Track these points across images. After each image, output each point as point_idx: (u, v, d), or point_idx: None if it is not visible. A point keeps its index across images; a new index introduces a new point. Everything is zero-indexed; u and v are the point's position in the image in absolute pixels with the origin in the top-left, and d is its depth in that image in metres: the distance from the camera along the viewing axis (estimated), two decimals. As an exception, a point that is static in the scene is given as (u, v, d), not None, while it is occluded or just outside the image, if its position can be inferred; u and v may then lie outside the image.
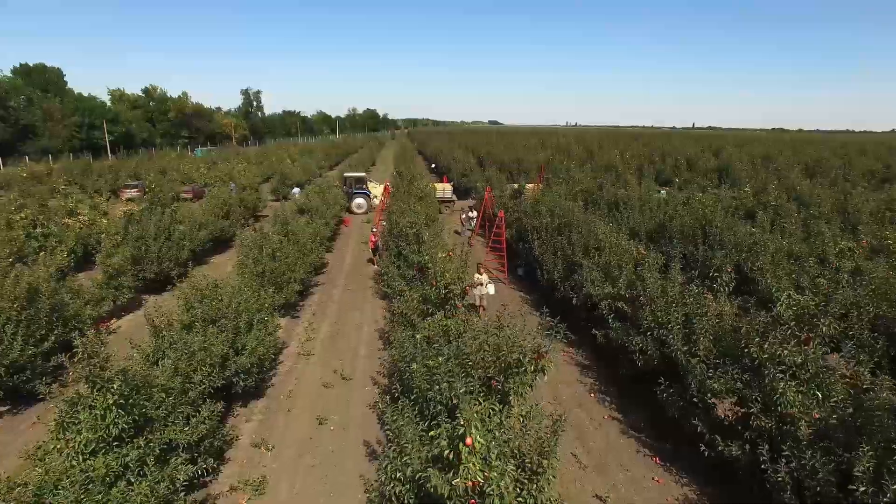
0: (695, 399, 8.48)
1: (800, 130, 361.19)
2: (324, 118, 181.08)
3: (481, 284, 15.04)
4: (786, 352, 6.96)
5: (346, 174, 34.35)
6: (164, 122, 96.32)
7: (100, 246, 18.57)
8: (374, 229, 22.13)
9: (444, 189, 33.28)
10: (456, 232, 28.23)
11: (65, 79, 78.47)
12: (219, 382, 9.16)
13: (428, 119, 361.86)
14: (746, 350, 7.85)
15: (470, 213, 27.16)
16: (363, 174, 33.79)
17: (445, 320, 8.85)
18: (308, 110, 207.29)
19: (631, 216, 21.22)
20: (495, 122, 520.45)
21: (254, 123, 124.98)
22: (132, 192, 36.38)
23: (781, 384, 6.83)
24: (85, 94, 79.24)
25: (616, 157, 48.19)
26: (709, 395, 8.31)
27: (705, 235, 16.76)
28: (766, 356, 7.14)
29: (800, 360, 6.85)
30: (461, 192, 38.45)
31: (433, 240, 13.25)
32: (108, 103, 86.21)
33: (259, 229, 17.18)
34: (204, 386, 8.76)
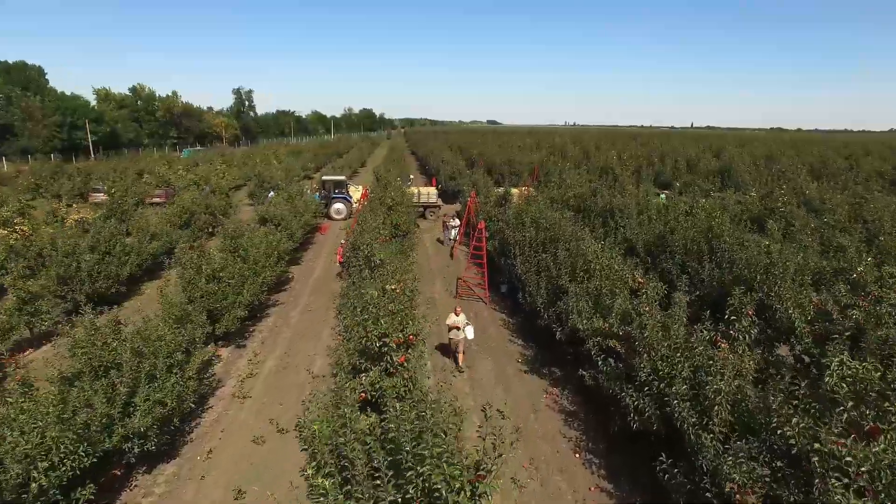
0: (707, 491, 6.37)
1: (798, 130, 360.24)
2: (318, 118, 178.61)
3: (457, 328, 12.63)
4: (844, 451, 4.86)
5: (325, 177, 32.15)
6: (152, 122, 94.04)
7: (43, 259, 16.47)
8: (343, 241, 20.01)
9: (429, 193, 31.14)
10: (438, 241, 26.15)
11: (46, 77, 76.13)
12: (87, 462, 7.04)
13: (426, 119, 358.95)
14: (779, 432, 5.75)
15: (452, 221, 25.05)
16: (343, 177, 31.64)
17: (384, 381, 6.76)
18: (304, 110, 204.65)
19: (627, 226, 19.14)
20: (494, 122, 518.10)
21: (246, 123, 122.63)
22: (101, 197, 34.23)
23: (840, 499, 4.73)
24: (69, 93, 76.89)
25: (613, 159, 46.10)
26: (726, 483, 6.22)
27: (712, 251, 14.67)
28: (816, 457, 5.05)
29: (867, 467, 4.74)
30: (449, 195, 36.36)
31: (390, 263, 11.11)
32: (94, 103, 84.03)
33: (199, 246, 15.04)
34: (64, 468, 6.67)
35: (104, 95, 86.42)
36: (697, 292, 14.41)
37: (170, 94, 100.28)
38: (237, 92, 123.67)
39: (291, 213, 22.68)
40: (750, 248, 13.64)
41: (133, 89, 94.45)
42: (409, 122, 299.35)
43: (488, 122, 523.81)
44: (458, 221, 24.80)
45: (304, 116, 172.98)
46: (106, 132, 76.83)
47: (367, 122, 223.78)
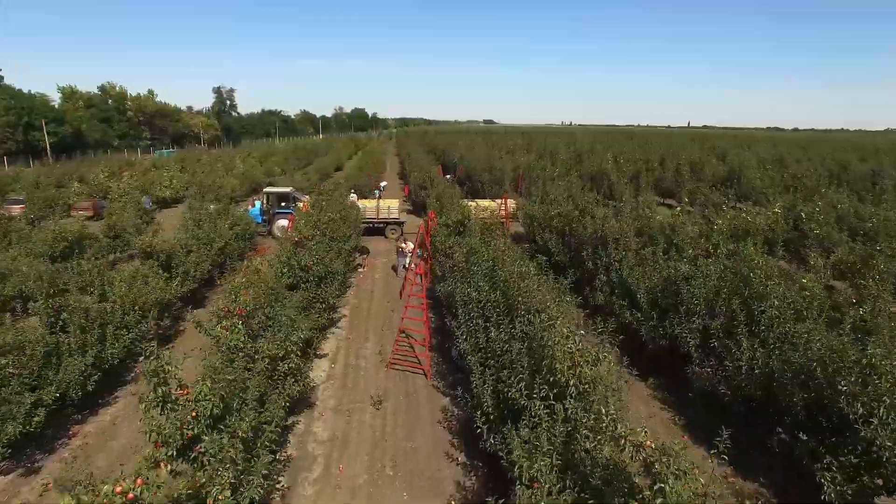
0: None
1: (795, 130, 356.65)
2: (307, 118, 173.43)
3: None
4: None
5: (267, 189, 27.19)
6: (122, 123, 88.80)
7: None
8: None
9: (389, 207, 26.22)
10: (393, 269, 21.32)
11: (0, 73, 70.94)
12: None
13: (421, 118, 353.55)
14: None
15: (405, 245, 20.29)
16: (287, 189, 26.71)
17: None
18: (293, 110, 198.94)
19: (624, 262, 14.37)
20: (490, 122, 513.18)
21: (227, 123, 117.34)
22: (16, 209, 29.34)
23: None
24: (26, 91, 71.65)
25: (608, 163, 41.37)
26: None
27: (750, 317, 9.88)
28: None
29: None
30: (421, 208, 31.54)
31: (205, 380, 6.24)
32: (58, 101, 78.96)
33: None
34: None
35: (69, 94, 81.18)
36: (726, 373, 9.69)
37: (144, 93, 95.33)
38: (217, 91, 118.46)
39: (200, 239, 17.86)
40: (815, 326, 8.87)
41: (102, 87, 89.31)
42: (404, 122, 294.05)
43: (485, 121, 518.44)
44: (410, 245, 20.00)
45: (292, 116, 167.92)
46: (67, 133, 71.59)
47: (358, 122, 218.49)
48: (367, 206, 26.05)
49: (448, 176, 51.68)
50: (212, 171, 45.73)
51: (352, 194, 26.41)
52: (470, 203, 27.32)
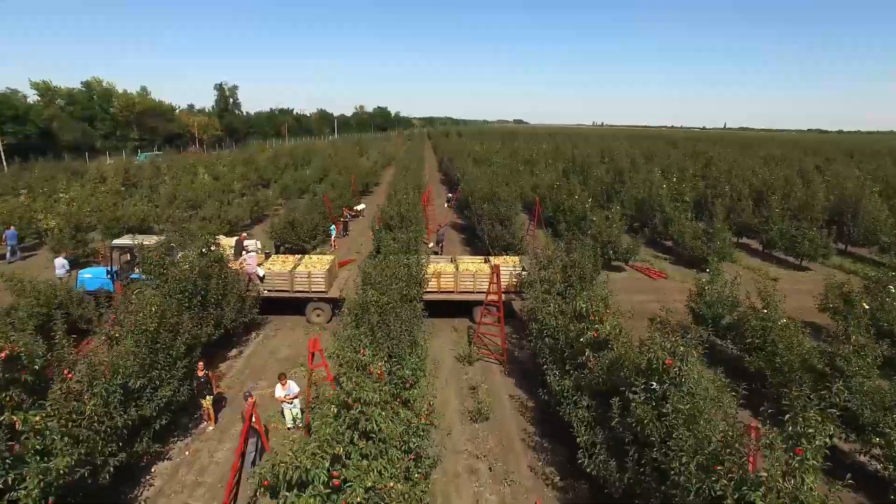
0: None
1: (840, 132, 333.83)
2: (322, 116, 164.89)
3: None
4: None
5: (116, 242, 17.12)
6: (107, 122, 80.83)
7: None
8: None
9: (310, 275, 15.87)
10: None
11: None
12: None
13: (448, 118, 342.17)
14: None
15: (284, 385, 10.03)
16: (152, 239, 16.72)
17: None
18: (310, 108, 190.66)
19: None
20: (520, 122, 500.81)
21: (231, 123, 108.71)
22: None
23: None
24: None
25: (659, 185, 30.34)
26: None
27: None
28: None
29: None
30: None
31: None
32: (35, 98, 71.42)
33: None
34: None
35: (44, 90, 73.39)
36: None
37: (137, 90, 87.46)
38: (219, 87, 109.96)
39: None
40: None
41: (86, 84, 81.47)
42: (430, 121, 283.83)
43: (515, 121, 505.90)
44: (295, 388, 9.77)
45: (307, 115, 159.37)
46: (29, 133, 63.49)
47: (379, 121, 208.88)
48: (277, 269, 15.92)
49: (449, 195, 40.89)
50: (149, 186, 36.43)
51: (248, 252, 16.32)
52: (446, 264, 17.15)
